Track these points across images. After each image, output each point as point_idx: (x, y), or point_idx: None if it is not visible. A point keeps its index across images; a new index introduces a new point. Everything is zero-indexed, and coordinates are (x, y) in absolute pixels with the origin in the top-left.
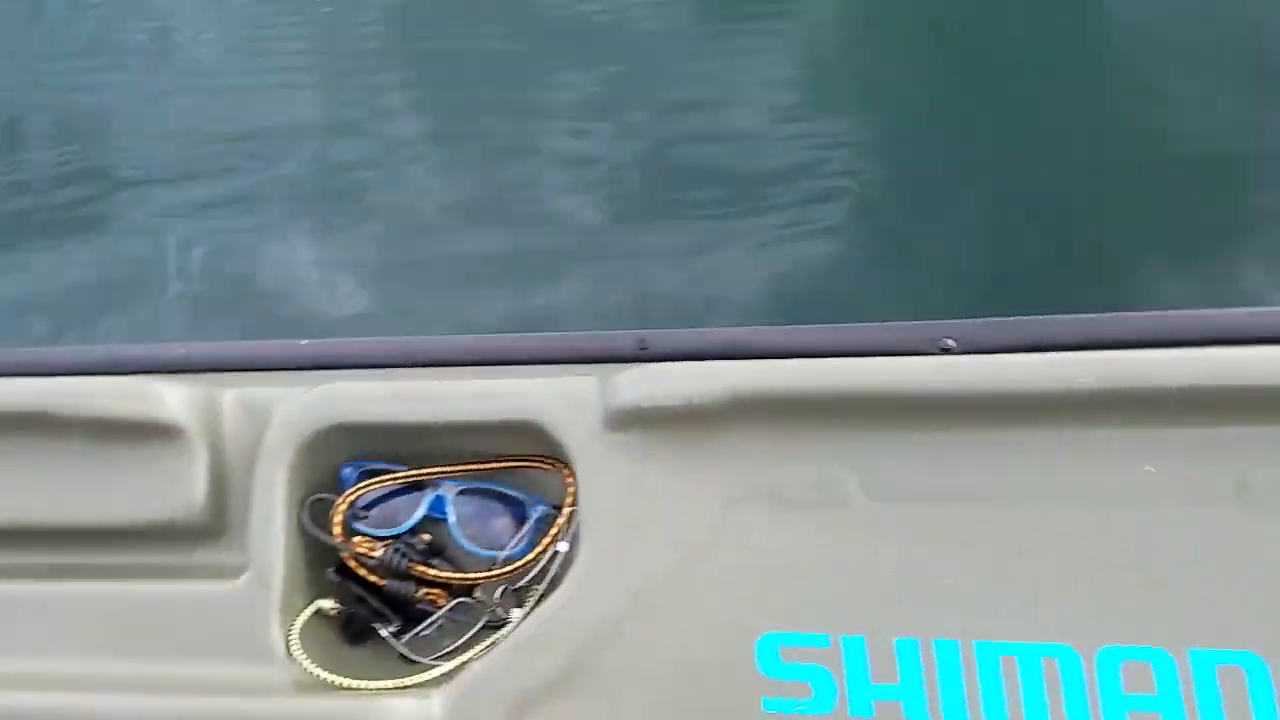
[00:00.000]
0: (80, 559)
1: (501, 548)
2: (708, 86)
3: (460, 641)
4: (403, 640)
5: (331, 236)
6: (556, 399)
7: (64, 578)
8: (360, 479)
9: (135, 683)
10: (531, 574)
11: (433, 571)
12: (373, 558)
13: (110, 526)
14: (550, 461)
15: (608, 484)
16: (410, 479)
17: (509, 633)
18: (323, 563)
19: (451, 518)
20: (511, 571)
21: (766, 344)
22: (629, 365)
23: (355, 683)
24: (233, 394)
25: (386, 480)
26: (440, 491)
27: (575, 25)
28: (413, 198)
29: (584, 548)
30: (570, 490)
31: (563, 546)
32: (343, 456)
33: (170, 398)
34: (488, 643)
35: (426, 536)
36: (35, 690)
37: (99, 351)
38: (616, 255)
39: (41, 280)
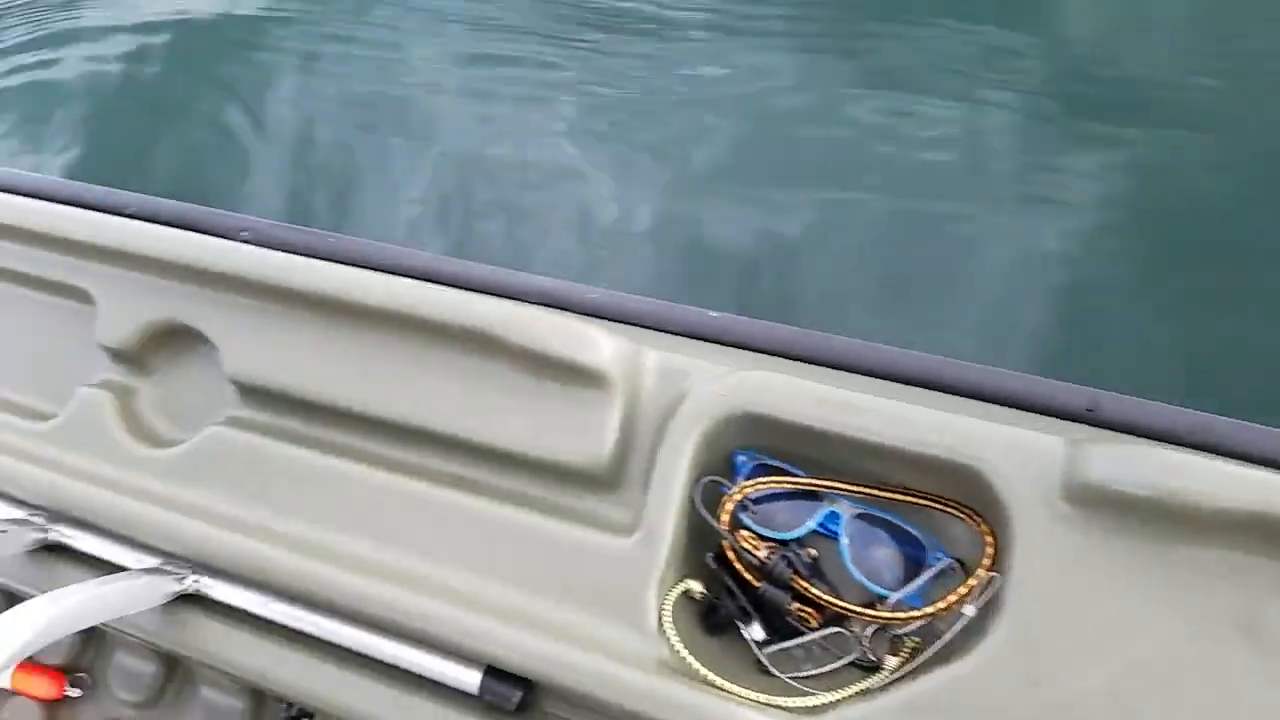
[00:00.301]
0: (482, 476)
1: (888, 586)
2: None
3: (823, 670)
4: (765, 650)
5: (775, 213)
6: (1009, 451)
7: (464, 489)
8: (755, 472)
9: (505, 607)
10: (914, 626)
11: (815, 591)
12: (755, 556)
13: (518, 454)
14: (967, 512)
15: (1051, 564)
16: (808, 486)
17: (885, 684)
18: (700, 544)
19: (844, 540)
20: (900, 619)
21: (1254, 445)
22: (1075, 425)
23: (723, 682)
24: (656, 355)
25: (785, 482)
26: (836, 508)
27: None
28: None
29: (1005, 625)
30: (990, 552)
31: (969, 610)
32: (742, 443)
33: (605, 348)
34: (859, 687)
35: (813, 551)
36: (407, 587)
37: (524, 279)
38: (1073, 291)
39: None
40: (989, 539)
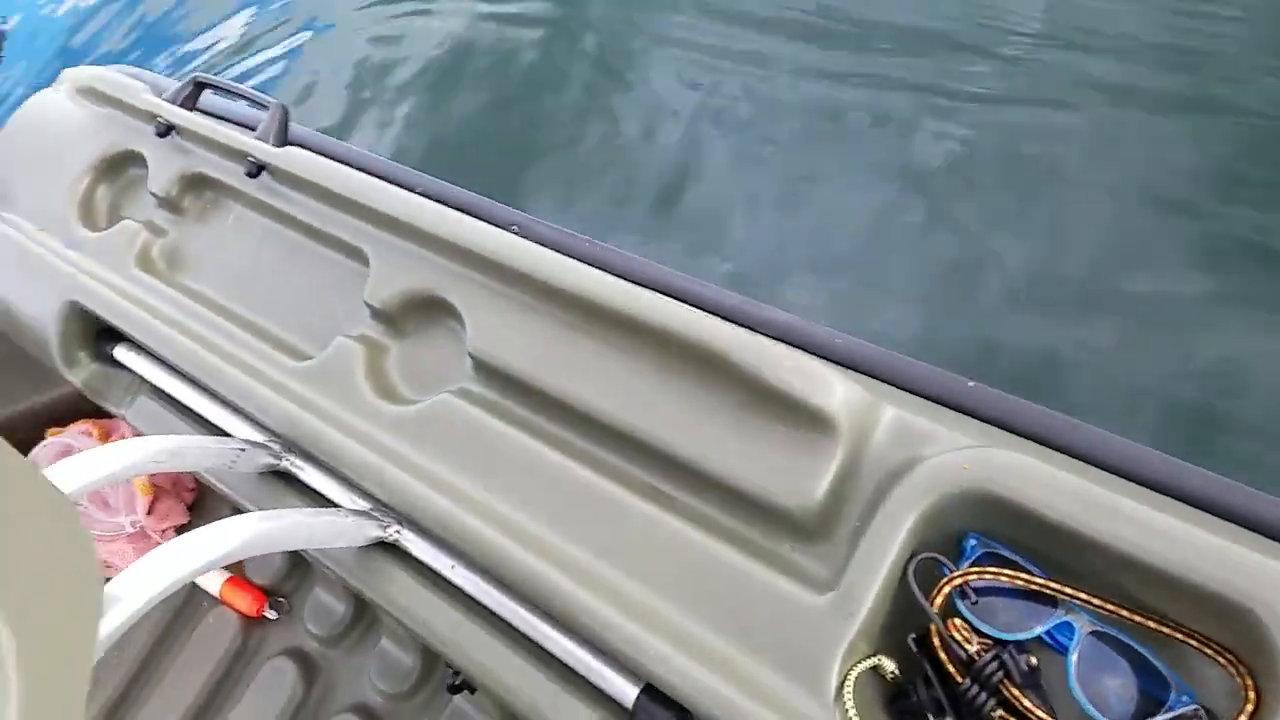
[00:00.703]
0: (685, 496)
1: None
2: None
3: None
4: None
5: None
6: None
7: (664, 505)
8: (984, 559)
9: (679, 630)
10: None
11: (1027, 703)
12: (964, 650)
13: (726, 481)
14: (1231, 658)
15: None
16: (1044, 588)
17: None
18: (901, 622)
19: (1073, 656)
20: None
21: None
22: None
23: None
24: (894, 413)
25: (1019, 578)
26: (1071, 619)
27: None
28: None
29: None
30: (1249, 710)
31: None
32: (975, 525)
33: (839, 393)
34: None
35: (1033, 660)
36: (587, 585)
37: (770, 312)
38: None
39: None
40: (1250, 694)
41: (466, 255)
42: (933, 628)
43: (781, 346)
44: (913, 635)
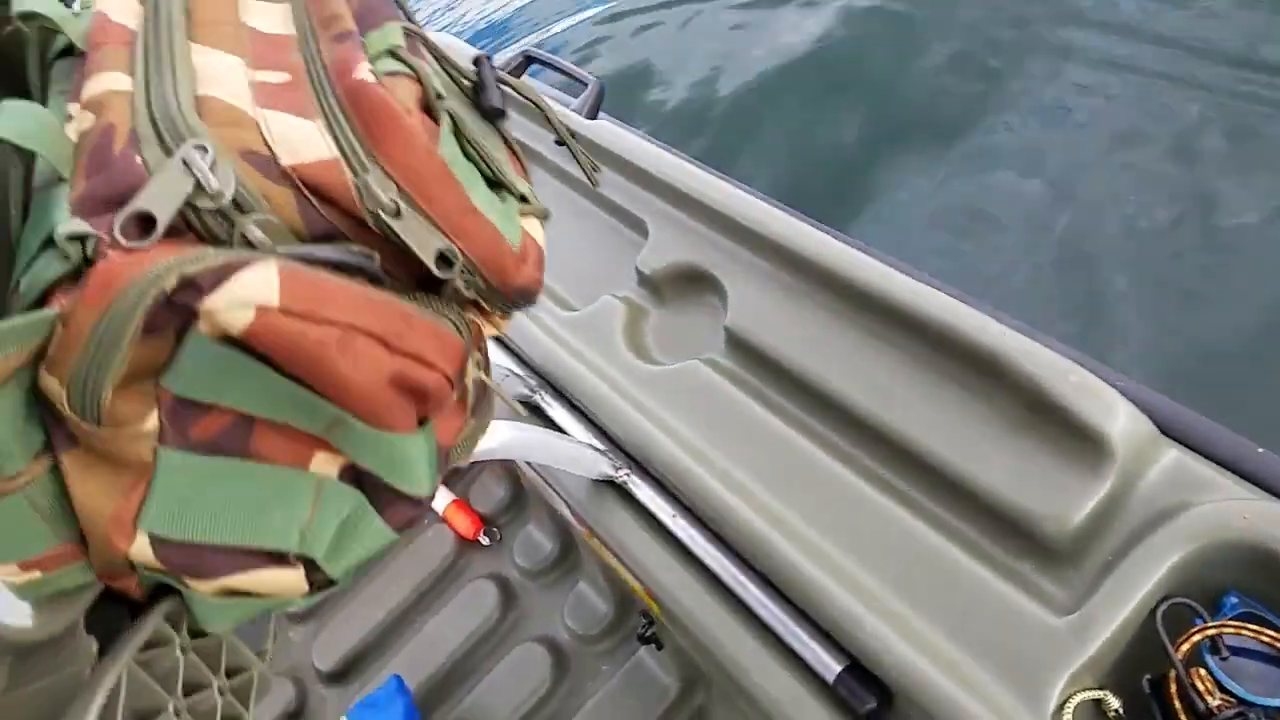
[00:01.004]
0: (918, 494)
1: None
2: None
3: None
4: None
5: None
6: None
7: (894, 498)
8: (1243, 616)
9: (894, 615)
10: None
11: None
12: (1204, 702)
13: (977, 490)
14: None
15: None
16: None
17: None
18: (1136, 662)
19: None
20: None
21: None
22: None
23: None
24: (1176, 454)
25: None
26: None
27: None
28: None
29: None
30: None
31: None
32: (1239, 580)
33: (1122, 418)
34: None
35: None
36: (806, 555)
37: (1047, 343)
38: None
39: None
40: None
41: (741, 233)
42: (1172, 674)
43: (1066, 360)
44: (1148, 677)
